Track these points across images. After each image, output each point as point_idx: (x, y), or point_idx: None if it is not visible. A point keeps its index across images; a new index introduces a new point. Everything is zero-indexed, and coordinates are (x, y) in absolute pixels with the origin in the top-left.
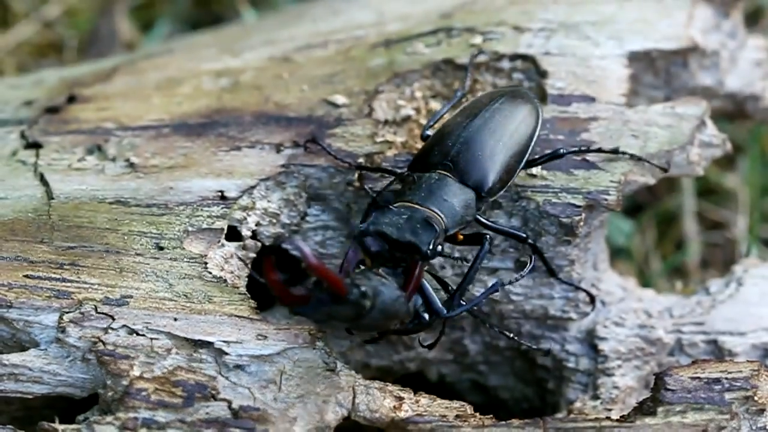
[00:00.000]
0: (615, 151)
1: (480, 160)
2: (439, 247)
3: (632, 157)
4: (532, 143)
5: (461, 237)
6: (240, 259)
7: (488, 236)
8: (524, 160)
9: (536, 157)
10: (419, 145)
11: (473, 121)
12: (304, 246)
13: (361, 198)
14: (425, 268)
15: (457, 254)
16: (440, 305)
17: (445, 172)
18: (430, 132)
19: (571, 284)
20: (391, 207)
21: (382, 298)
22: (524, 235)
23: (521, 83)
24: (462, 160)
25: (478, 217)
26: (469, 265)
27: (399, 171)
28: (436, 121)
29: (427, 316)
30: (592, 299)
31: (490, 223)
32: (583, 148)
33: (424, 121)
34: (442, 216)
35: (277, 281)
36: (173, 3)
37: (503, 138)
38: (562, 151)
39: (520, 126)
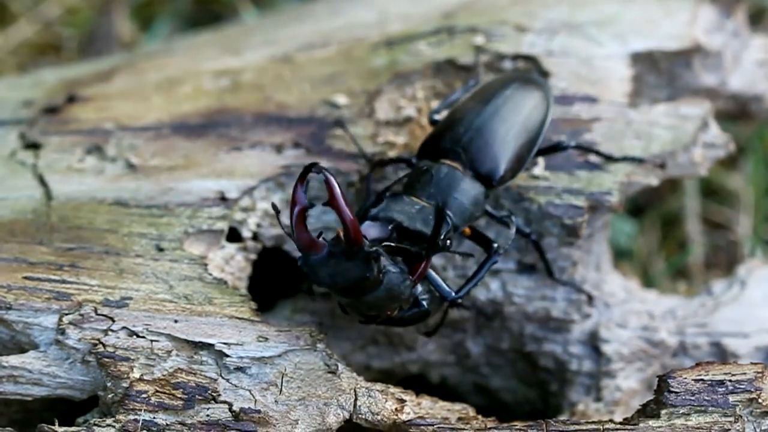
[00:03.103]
0: (612, 158)
1: (492, 149)
2: (448, 242)
3: (633, 160)
4: (543, 131)
5: (468, 232)
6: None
7: (496, 245)
8: (535, 149)
9: (543, 147)
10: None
11: (485, 108)
12: (331, 175)
13: (362, 200)
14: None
15: (463, 249)
16: (448, 289)
17: (456, 163)
18: (437, 117)
19: (570, 284)
20: (403, 197)
21: (390, 277)
22: (528, 232)
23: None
24: (474, 148)
25: (487, 208)
26: (477, 268)
27: (409, 158)
28: (447, 107)
29: (425, 303)
30: (590, 298)
31: (497, 214)
32: (585, 145)
33: (426, 122)
34: (451, 214)
35: (304, 208)
36: (173, 2)
37: (515, 126)
38: (564, 144)
39: (532, 114)
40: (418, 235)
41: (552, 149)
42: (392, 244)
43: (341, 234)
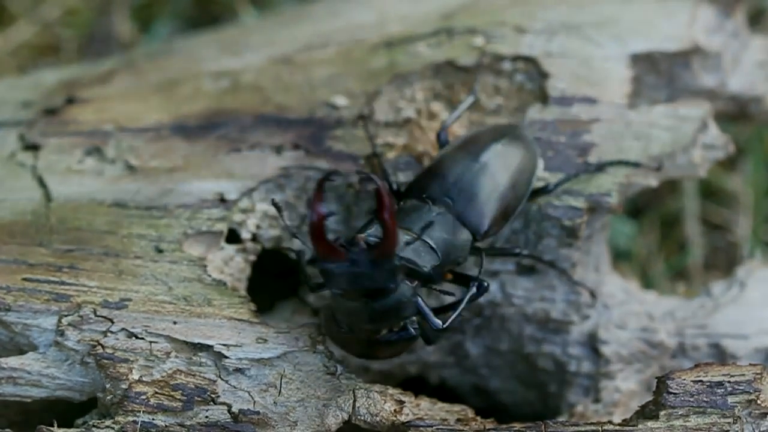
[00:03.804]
0: (601, 167)
1: (479, 205)
2: (434, 277)
3: (627, 164)
4: (529, 189)
5: (450, 276)
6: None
7: (476, 283)
8: (520, 207)
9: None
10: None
11: (475, 163)
12: (381, 181)
13: (361, 201)
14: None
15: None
16: (436, 320)
17: (446, 210)
18: (445, 135)
19: (577, 283)
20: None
21: (403, 288)
22: (517, 251)
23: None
24: (462, 200)
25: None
26: (460, 299)
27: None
28: (454, 121)
29: (412, 330)
30: (593, 295)
31: (483, 248)
32: (571, 175)
33: (425, 123)
34: (438, 252)
35: (322, 217)
36: (173, 3)
37: (503, 183)
38: (550, 188)
39: (521, 173)
40: (409, 261)
41: (538, 193)
42: None
43: (364, 241)
